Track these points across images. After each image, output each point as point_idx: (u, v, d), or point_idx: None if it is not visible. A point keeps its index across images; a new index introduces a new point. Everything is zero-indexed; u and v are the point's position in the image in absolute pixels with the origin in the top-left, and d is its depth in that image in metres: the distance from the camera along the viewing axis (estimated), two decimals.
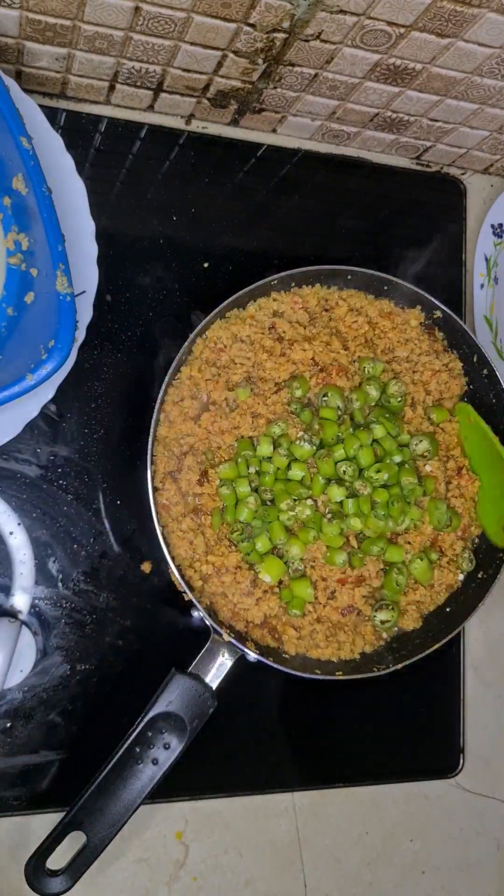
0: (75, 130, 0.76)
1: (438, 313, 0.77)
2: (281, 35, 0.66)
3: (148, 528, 0.72)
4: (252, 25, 0.64)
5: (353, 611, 0.72)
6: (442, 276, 0.86)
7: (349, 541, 0.72)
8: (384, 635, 0.74)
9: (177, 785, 0.72)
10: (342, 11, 0.62)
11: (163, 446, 0.70)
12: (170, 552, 0.69)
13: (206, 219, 0.79)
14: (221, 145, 0.81)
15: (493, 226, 0.86)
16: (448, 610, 0.75)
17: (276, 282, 0.74)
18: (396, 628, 0.74)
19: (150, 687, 0.68)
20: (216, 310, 0.71)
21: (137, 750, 0.66)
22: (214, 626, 0.68)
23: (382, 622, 0.72)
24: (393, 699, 0.80)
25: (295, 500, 0.70)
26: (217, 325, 0.72)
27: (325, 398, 0.71)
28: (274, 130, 0.82)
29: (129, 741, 0.66)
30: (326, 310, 0.75)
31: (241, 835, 0.76)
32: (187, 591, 0.68)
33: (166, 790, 0.68)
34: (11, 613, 0.70)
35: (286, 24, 0.64)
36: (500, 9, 0.61)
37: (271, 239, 0.81)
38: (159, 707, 0.67)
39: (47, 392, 0.65)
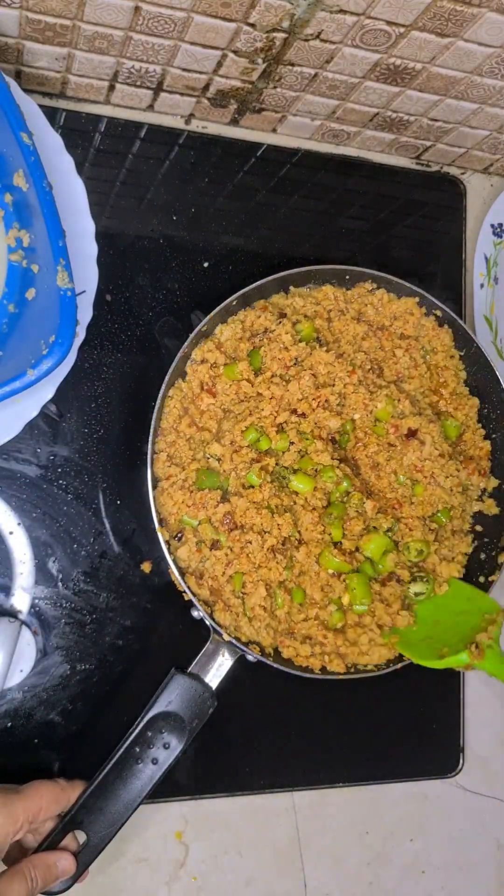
0: (75, 130, 0.76)
1: (438, 312, 0.77)
2: (281, 35, 0.66)
3: (148, 528, 0.72)
4: (252, 25, 0.64)
5: (392, 578, 0.72)
6: (442, 276, 0.86)
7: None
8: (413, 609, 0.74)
9: (177, 785, 0.72)
10: (342, 11, 0.62)
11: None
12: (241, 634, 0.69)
13: (206, 219, 0.79)
14: (221, 145, 0.81)
15: (493, 225, 0.86)
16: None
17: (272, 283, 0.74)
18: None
19: (150, 687, 0.68)
20: (216, 309, 0.71)
21: (137, 750, 0.66)
22: (214, 626, 0.68)
23: (416, 594, 0.72)
24: (393, 699, 0.80)
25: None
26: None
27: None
28: (274, 130, 0.82)
29: (129, 741, 0.66)
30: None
31: (241, 835, 0.76)
32: (187, 590, 0.68)
33: (166, 790, 0.68)
34: (11, 613, 0.70)
35: (286, 24, 0.64)
36: (500, 8, 0.61)
37: (271, 239, 0.81)
38: (159, 707, 0.67)
39: (47, 391, 0.65)
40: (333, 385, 0.72)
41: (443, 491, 0.73)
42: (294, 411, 0.71)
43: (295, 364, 0.72)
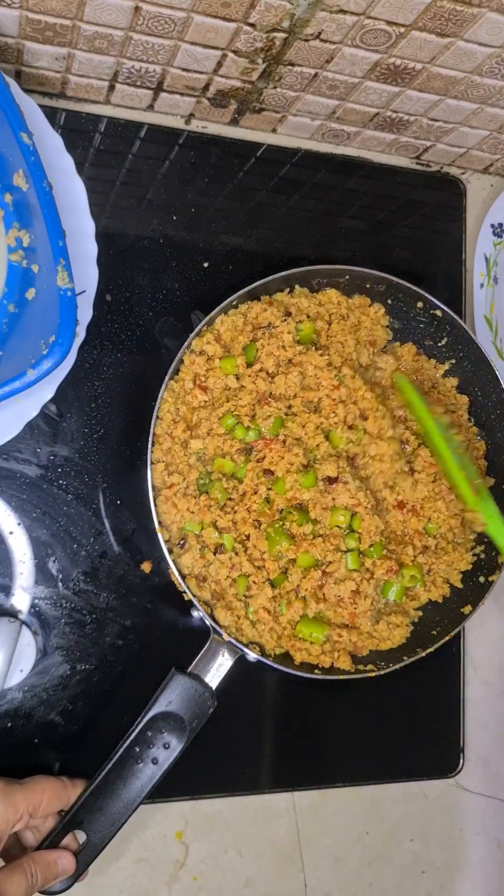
0: (75, 130, 0.76)
1: (439, 312, 0.77)
2: (281, 35, 0.66)
3: (148, 528, 0.72)
4: (252, 25, 0.64)
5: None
6: (442, 276, 0.86)
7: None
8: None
9: (177, 785, 0.72)
10: (342, 11, 0.62)
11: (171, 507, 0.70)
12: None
13: (206, 219, 0.79)
14: (221, 145, 0.81)
15: (492, 225, 0.86)
16: (446, 607, 0.75)
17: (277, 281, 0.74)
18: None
19: (150, 687, 0.68)
20: (216, 309, 0.71)
21: (137, 750, 0.66)
22: (214, 626, 0.68)
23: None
24: (393, 699, 0.80)
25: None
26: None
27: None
28: (274, 130, 0.82)
29: (128, 741, 0.66)
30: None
31: (241, 835, 0.76)
32: (187, 590, 0.68)
33: (166, 790, 0.68)
34: (11, 613, 0.70)
35: (286, 24, 0.64)
36: (500, 8, 0.61)
37: (271, 239, 0.81)
38: (159, 707, 0.67)
39: (47, 391, 0.65)
40: (318, 390, 0.72)
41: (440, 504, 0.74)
42: (274, 396, 0.71)
43: (288, 363, 0.72)
